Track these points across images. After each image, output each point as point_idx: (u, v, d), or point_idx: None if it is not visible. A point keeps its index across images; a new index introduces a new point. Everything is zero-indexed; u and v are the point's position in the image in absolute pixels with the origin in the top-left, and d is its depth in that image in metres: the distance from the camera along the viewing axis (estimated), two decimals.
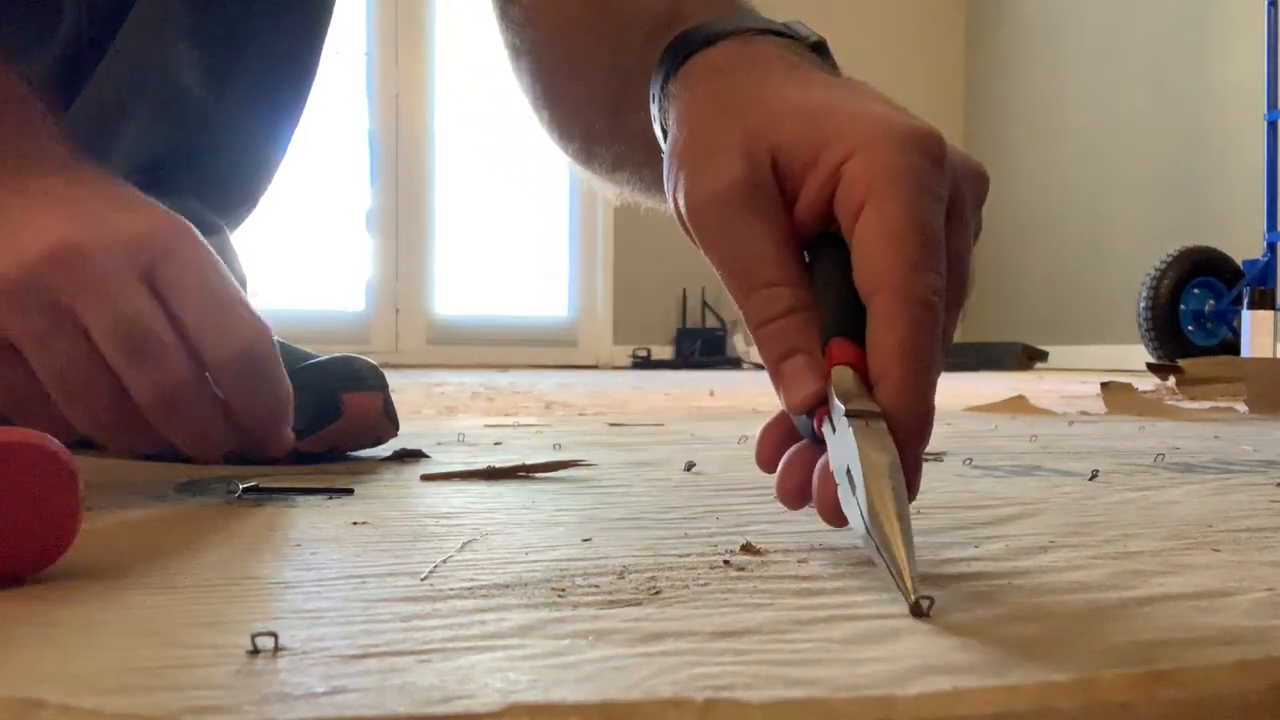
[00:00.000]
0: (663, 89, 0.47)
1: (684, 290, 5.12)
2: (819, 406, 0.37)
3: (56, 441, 0.34)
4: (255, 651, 0.26)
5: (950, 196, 0.38)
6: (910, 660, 0.26)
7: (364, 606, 0.31)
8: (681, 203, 0.41)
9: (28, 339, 0.46)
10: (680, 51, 0.47)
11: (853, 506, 0.34)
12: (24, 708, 0.22)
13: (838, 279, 0.38)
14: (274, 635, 0.26)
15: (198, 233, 0.50)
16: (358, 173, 4.82)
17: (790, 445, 0.40)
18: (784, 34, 0.48)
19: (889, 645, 0.27)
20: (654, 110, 0.49)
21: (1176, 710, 0.24)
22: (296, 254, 4.61)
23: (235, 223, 0.86)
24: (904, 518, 0.32)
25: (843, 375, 0.36)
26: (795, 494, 0.40)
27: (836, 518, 0.36)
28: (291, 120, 0.83)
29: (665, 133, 0.47)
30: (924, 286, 0.36)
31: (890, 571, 0.31)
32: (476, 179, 4.86)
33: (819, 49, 0.48)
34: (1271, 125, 3.65)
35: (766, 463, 0.41)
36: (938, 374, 0.37)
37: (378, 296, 4.85)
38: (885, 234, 0.36)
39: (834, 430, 0.36)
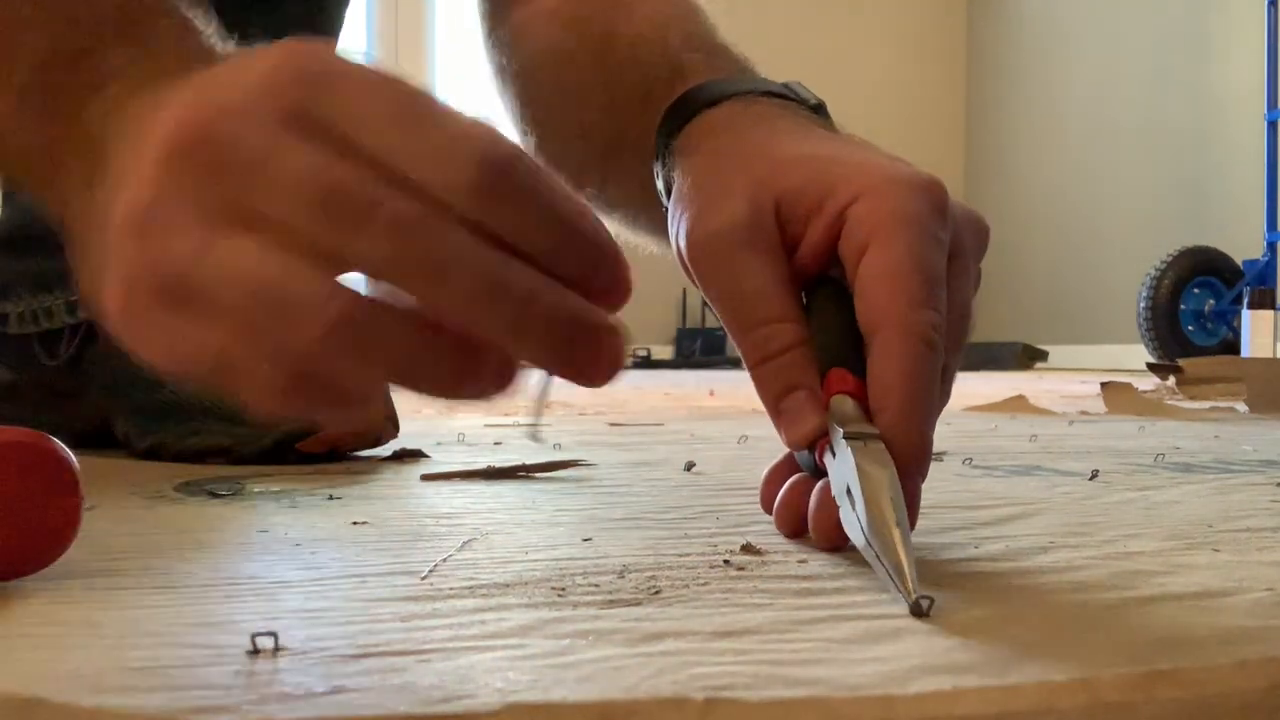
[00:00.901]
0: (667, 146, 0.48)
1: (684, 290, 5.12)
2: (820, 439, 0.38)
3: (56, 441, 0.34)
4: (255, 651, 0.26)
5: (952, 244, 0.40)
6: (910, 660, 0.26)
7: (364, 606, 0.31)
8: (683, 241, 0.42)
9: (194, 272, 0.28)
10: (684, 111, 0.48)
11: (853, 522, 0.35)
12: (24, 707, 0.22)
13: (836, 316, 0.39)
14: (274, 635, 0.26)
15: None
16: None
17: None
18: (785, 95, 0.49)
19: (889, 645, 0.27)
20: (656, 167, 0.49)
21: (1176, 710, 0.24)
22: None
23: None
24: (903, 525, 0.33)
25: (842, 402, 0.37)
26: (790, 520, 0.41)
27: (831, 540, 0.37)
28: None
29: (667, 187, 0.47)
30: (925, 323, 0.37)
31: (890, 576, 0.32)
32: None
33: (819, 110, 0.49)
34: (1271, 125, 3.65)
35: (770, 503, 0.42)
36: (938, 409, 0.38)
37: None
38: (889, 273, 0.37)
39: (834, 455, 0.37)
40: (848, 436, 0.36)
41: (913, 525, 0.37)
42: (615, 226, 0.61)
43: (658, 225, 0.52)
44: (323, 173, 0.27)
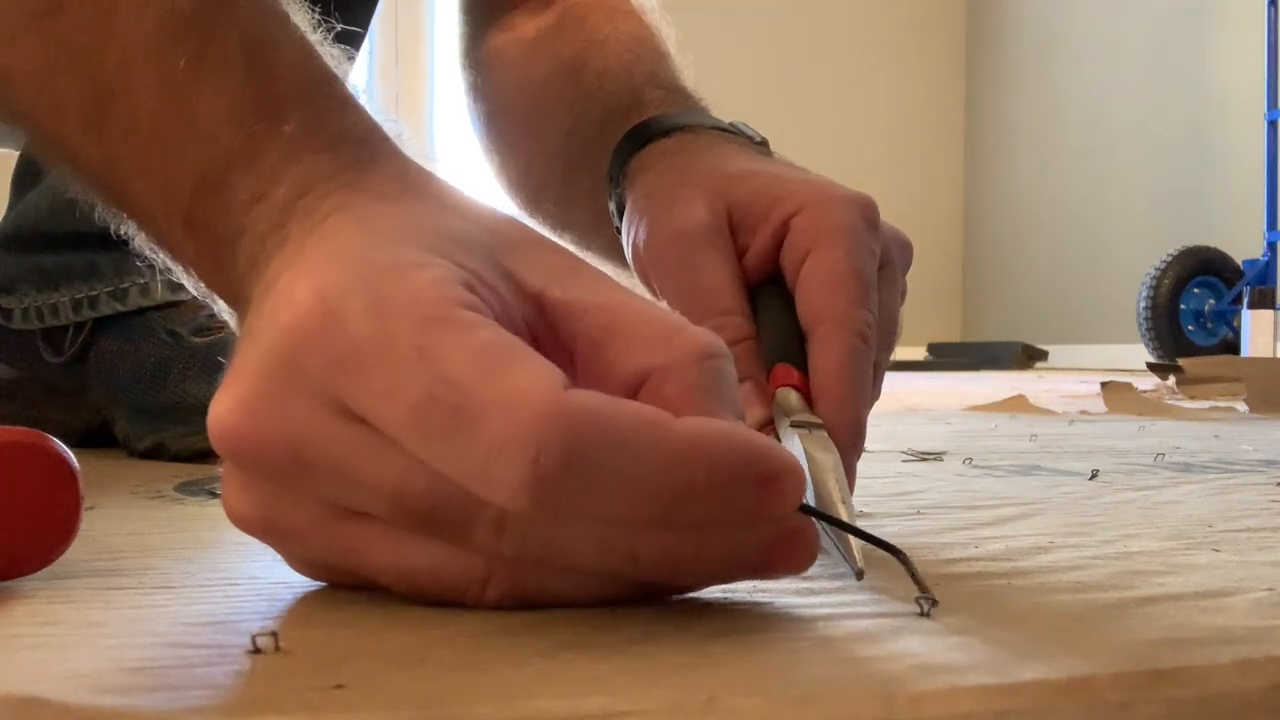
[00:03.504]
0: (622, 169, 0.51)
1: None
2: (765, 428, 0.40)
3: (56, 441, 0.34)
4: (255, 651, 0.26)
5: (881, 255, 0.44)
6: (910, 660, 0.26)
7: (364, 606, 0.31)
8: (643, 240, 0.45)
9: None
10: (640, 137, 0.51)
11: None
12: (24, 707, 0.22)
13: (780, 316, 0.42)
14: (274, 635, 0.26)
15: (432, 258, 0.28)
16: None
17: None
18: (733, 131, 0.52)
19: (889, 645, 0.27)
20: (610, 190, 0.52)
21: (1176, 710, 0.24)
22: None
23: None
24: (848, 503, 0.35)
25: (787, 394, 0.40)
26: None
27: None
28: None
29: (620, 206, 0.51)
30: (860, 320, 0.41)
31: (839, 550, 0.33)
32: (476, 179, 4.86)
33: (763, 145, 0.53)
34: (1271, 125, 3.65)
35: None
36: (871, 397, 0.42)
37: None
38: (828, 276, 0.41)
39: (779, 442, 0.38)
40: (794, 425, 0.39)
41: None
42: (567, 244, 0.64)
43: (609, 244, 0.55)
44: (392, 484, 0.26)
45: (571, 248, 0.62)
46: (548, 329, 0.30)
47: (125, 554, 0.39)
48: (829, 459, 0.37)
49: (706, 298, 0.42)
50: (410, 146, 0.35)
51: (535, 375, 0.25)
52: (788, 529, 0.28)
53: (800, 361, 0.41)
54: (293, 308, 0.27)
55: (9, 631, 0.28)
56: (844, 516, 0.34)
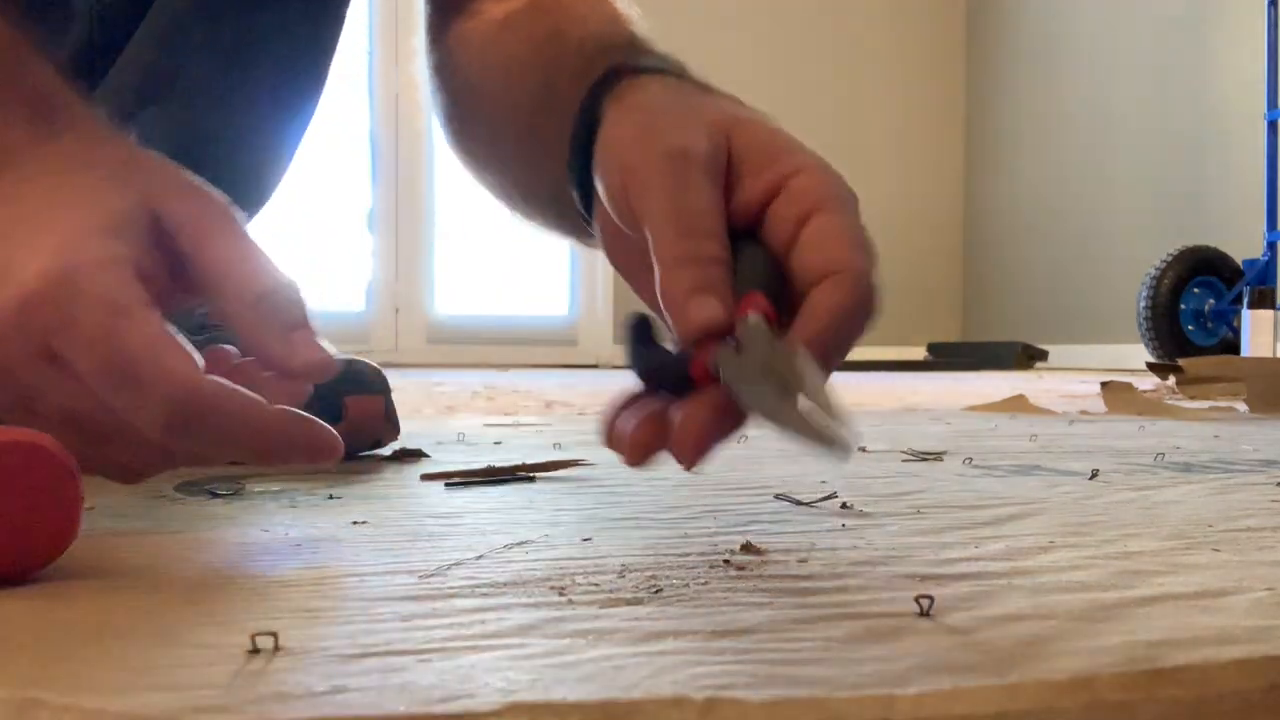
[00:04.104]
0: (607, 90, 0.50)
1: None
2: (716, 331, 0.39)
3: (56, 441, 0.34)
4: (255, 651, 0.26)
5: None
6: (910, 659, 0.26)
7: (364, 605, 0.31)
8: (635, 152, 0.44)
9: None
10: (629, 68, 0.50)
11: (763, 394, 0.37)
12: (24, 707, 0.22)
13: (757, 257, 0.42)
14: (274, 635, 0.26)
15: (109, 249, 0.41)
16: (358, 173, 4.82)
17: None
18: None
19: (889, 644, 0.27)
20: (579, 120, 0.50)
21: (1176, 709, 0.24)
22: (297, 254, 4.61)
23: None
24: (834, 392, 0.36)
25: (757, 318, 0.39)
26: (646, 445, 0.41)
27: (697, 451, 0.39)
28: (300, 128, 0.83)
29: (589, 135, 0.49)
30: (871, 279, 0.41)
31: (818, 433, 0.35)
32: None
33: None
34: (1271, 125, 3.65)
35: (614, 437, 0.43)
36: (848, 350, 0.42)
37: (378, 296, 4.85)
38: (842, 233, 0.42)
39: (738, 350, 0.39)
40: (771, 363, 0.38)
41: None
42: (512, 208, 0.65)
43: (552, 199, 0.55)
44: (69, 405, 0.40)
45: (514, 212, 0.64)
46: (184, 271, 0.44)
47: (125, 554, 0.39)
48: (811, 365, 0.37)
49: (692, 218, 0.42)
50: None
51: (182, 360, 0.39)
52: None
53: (777, 302, 0.41)
54: (22, 282, 0.40)
55: (9, 631, 0.28)
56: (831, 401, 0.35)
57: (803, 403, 0.36)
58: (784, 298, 0.41)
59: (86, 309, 0.39)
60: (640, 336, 0.43)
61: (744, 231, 0.43)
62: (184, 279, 0.44)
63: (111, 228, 0.42)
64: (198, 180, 0.46)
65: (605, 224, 0.47)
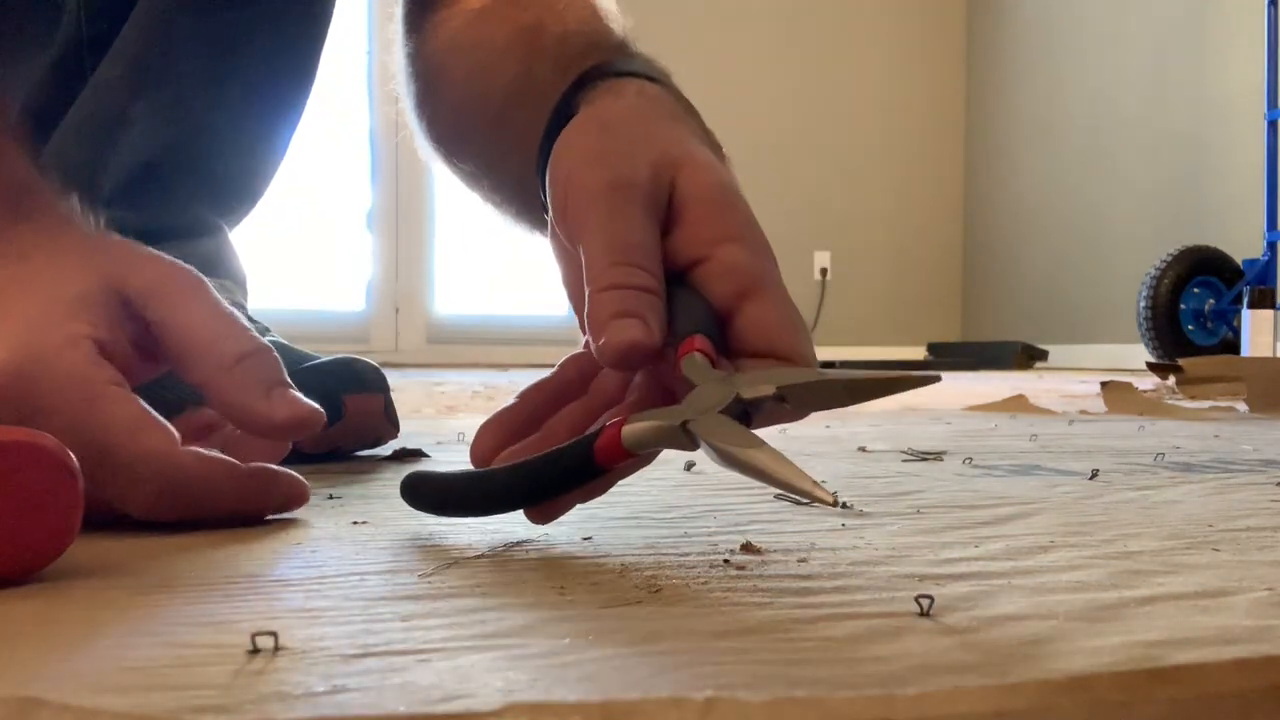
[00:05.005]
0: (578, 94, 0.50)
1: None
2: (637, 356, 0.39)
3: (57, 441, 0.34)
4: (255, 651, 0.26)
5: None
6: (910, 659, 0.26)
7: (364, 605, 0.31)
8: (581, 176, 0.44)
9: None
10: (605, 70, 0.51)
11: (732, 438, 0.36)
12: (24, 707, 0.22)
13: (694, 306, 0.41)
14: (274, 635, 0.26)
15: (69, 332, 0.42)
16: (358, 173, 4.82)
17: (508, 442, 0.45)
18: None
19: (889, 644, 0.27)
20: (549, 120, 0.51)
21: (1176, 709, 0.24)
22: (296, 254, 4.61)
23: (234, 221, 0.86)
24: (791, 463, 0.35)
25: (694, 358, 0.39)
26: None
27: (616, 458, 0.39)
28: (291, 121, 0.83)
29: (563, 121, 0.49)
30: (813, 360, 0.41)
31: (798, 490, 0.33)
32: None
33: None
34: (1271, 125, 3.64)
35: (483, 457, 0.45)
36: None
37: (378, 296, 4.84)
38: (786, 324, 0.41)
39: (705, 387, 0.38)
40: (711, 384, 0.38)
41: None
42: (481, 194, 0.65)
43: (517, 189, 0.56)
44: None
45: (482, 198, 0.64)
46: (154, 342, 0.46)
47: (125, 554, 0.39)
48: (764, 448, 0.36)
49: (629, 251, 0.41)
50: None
51: (160, 438, 0.42)
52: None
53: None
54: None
55: (9, 631, 0.28)
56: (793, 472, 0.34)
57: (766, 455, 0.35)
58: (720, 351, 0.40)
59: (57, 394, 0.41)
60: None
61: (677, 278, 0.42)
62: (154, 350, 0.46)
63: (73, 310, 0.43)
64: (163, 255, 0.47)
65: (553, 225, 0.47)
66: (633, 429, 0.37)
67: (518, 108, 0.56)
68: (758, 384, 0.38)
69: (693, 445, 0.37)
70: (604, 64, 0.51)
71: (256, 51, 0.78)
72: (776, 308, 0.42)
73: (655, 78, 0.51)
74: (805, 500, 0.34)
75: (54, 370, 0.41)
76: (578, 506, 0.43)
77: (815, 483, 0.33)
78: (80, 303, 0.43)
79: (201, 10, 0.74)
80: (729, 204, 0.44)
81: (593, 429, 0.39)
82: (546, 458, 0.40)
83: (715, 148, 0.50)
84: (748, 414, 0.37)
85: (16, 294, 0.43)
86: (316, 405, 0.45)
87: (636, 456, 0.39)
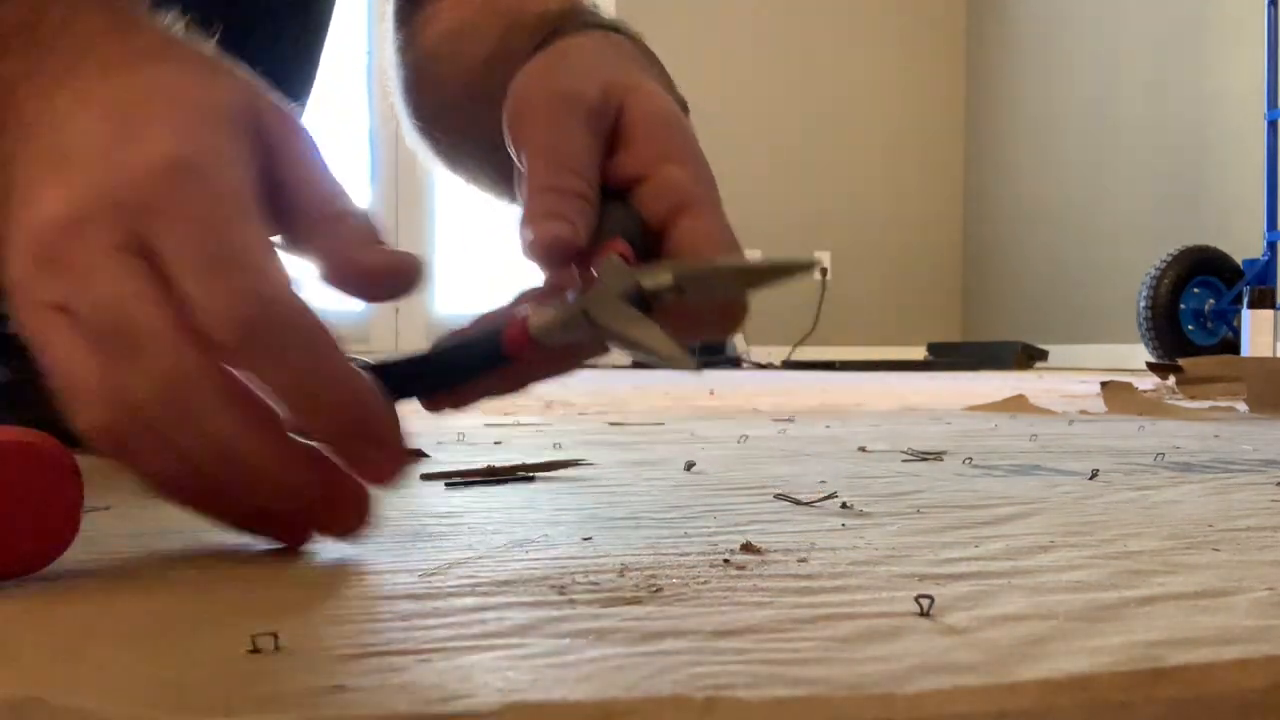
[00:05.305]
0: (547, 44, 0.52)
1: None
2: (562, 255, 0.41)
3: (56, 441, 0.34)
4: (255, 651, 0.26)
5: None
6: (910, 659, 0.26)
7: (364, 605, 0.31)
8: (531, 89, 0.46)
9: (39, 340, 0.37)
10: (572, 22, 0.53)
11: (617, 316, 0.38)
12: (24, 707, 0.22)
13: (624, 216, 0.43)
14: (274, 635, 0.26)
15: (255, 136, 0.38)
16: (358, 173, 4.82)
17: None
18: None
19: (889, 644, 0.27)
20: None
21: (1176, 709, 0.24)
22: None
23: None
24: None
25: (616, 259, 0.40)
26: None
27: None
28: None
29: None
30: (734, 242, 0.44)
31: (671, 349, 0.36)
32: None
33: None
34: (1271, 125, 3.65)
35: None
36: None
37: None
38: (717, 239, 0.43)
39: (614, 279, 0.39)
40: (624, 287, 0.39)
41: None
42: (465, 172, 0.66)
43: (501, 163, 0.56)
44: (118, 305, 0.34)
45: (464, 176, 0.66)
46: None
47: (125, 554, 0.39)
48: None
49: (568, 158, 0.43)
50: None
51: (284, 270, 0.36)
52: (342, 500, 0.37)
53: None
54: (127, 165, 0.35)
55: (9, 631, 0.28)
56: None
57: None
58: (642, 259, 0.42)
59: (204, 199, 0.35)
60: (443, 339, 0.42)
61: (615, 193, 0.44)
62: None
63: (228, 125, 0.38)
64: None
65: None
66: (539, 317, 0.39)
67: (492, 74, 0.57)
68: (657, 274, 0.39)
69: (594, 332, 0.39)
70: (575, 21, 0.53)
71: (255, 51, 0.78)
72: (710, 222, 0.43)
73: (624, 30, 0.53)
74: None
75: (212, 177, 0.36)
76: (578, 507, 0.43)
77: (683, 352, 0.36)
78: (233, 120, 0.38)
79: (199, 9, 0.74)
80: (674, 129, 0.46)
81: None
82: (456, 344, 0.41)
83: (680, 101, 0.51)
84: (648, 304, 0.39)
85: (160, 96, 0.38)
86: (416, 255, 0.41)
87: (545, 349, 0.40)
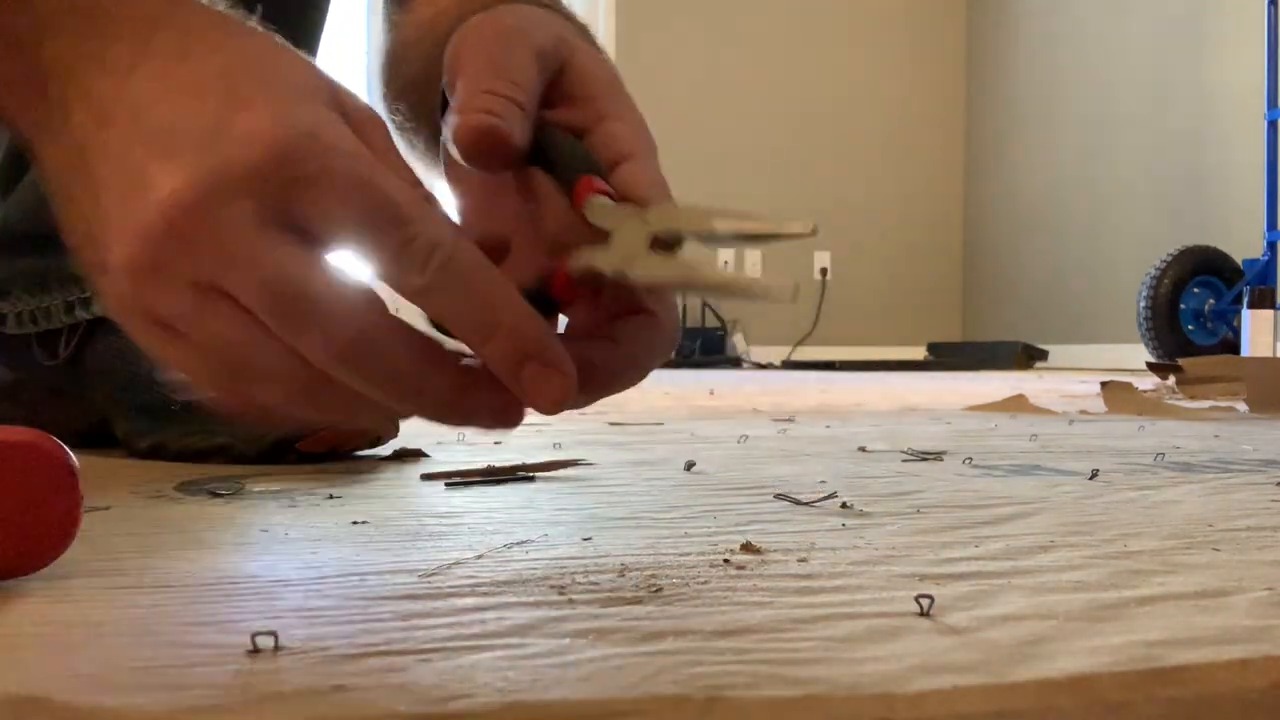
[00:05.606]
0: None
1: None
2: (491, 141, 0.40)
3: (57, 441, 0.34)
4: (255, 651, 0.26)
5: None
6: (910, 659, 0.26)
7: (364, 605, 0.31)
8: (472, 25, 0.45)
9: (180, 322, 0.36)
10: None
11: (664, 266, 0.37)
12: (24, 706, 0.22)
13: (578, 149, 0.42)
14: (274, 634, 0.26)
15: (342, 117, 0.37)
16: None
17: None
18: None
19: (889, 644, 0.27)
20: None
21: (1176, 709, 0.24)
22: None
23: None
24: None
25: (603, 199, 0.39)
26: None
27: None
28: None
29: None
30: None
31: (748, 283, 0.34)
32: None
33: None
34: (1271, 125, 3.64)
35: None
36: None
37: None
38: (650, 179, 0.42)
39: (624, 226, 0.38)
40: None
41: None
42: (415, 138, 0.64)
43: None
44: (286, 276, 0.34)
45: (417, 150, 0.64)
46: None
47: (125, 554, 0.39)
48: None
49: (505, 70, 0.42)
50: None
51: (446, 216, 0.36)
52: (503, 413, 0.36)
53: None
54: (258, 135, 0.34)
55: (9, 631, 0.28)
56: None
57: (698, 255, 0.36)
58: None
59: (343, 162, 0.35)
60: None
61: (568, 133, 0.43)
62: None
63: (324, 100, 0.37)
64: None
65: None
66: (576, 260, 0.38)
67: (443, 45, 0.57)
68: (667, 221, 0.38)
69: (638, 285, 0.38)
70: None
71: None
72: (650, 170, 0.43)
73: (563, 11, 0.53)
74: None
75: (338, 142, 0.35)
76: (578, 507, 0.42)
77: (765, 284, 0.34)
78: (321, 96, 0.37)
79: None
80: (617, 89, 0.46)
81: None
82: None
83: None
84: (671, 247, 0.38)
85: (262, 67, 0.37)
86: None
87: (589, 289, 0.39)
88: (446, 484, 0.59)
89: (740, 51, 5.13)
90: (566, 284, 0.38)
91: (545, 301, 0.38)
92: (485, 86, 0.41)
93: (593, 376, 0.38)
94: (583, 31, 0.52)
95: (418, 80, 0.65)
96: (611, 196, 0.39)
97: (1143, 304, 3.91)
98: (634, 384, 0.41)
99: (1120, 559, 0.38)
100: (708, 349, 5.06)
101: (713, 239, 0.38)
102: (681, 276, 0.36)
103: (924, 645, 0.27)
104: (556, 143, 0.42)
